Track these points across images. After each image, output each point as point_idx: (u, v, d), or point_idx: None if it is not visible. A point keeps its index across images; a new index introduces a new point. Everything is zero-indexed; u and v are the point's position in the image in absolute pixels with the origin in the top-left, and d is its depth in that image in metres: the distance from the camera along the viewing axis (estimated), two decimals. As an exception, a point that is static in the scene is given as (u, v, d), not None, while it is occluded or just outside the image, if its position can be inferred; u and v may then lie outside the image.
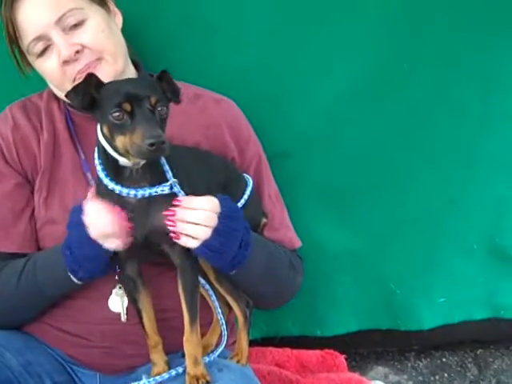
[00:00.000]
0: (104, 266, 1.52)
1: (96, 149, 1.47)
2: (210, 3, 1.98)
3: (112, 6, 1.75)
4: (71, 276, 1.54)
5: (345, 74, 2.05)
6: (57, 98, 1.76)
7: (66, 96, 1.45)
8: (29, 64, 1.72)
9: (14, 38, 1.67)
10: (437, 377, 2.42)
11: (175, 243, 1.45)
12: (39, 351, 1.65)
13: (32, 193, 1.70)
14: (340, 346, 2.12)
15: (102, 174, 1.44)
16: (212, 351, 1.60)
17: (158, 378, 1.50)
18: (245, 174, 1.73)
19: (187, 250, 1.47)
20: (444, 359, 2.46)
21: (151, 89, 1.39)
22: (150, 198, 1.43)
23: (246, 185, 1.68)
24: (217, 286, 1.59)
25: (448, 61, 2.07)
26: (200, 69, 1.98)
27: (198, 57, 2.01)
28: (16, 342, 1.63)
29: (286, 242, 1.80)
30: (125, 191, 1.42)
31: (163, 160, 1.46)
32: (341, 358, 2.06)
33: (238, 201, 1.62)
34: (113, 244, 1.44)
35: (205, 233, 1.44)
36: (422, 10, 2.02)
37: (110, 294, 1.61)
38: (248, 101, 1.88)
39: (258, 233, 1.70)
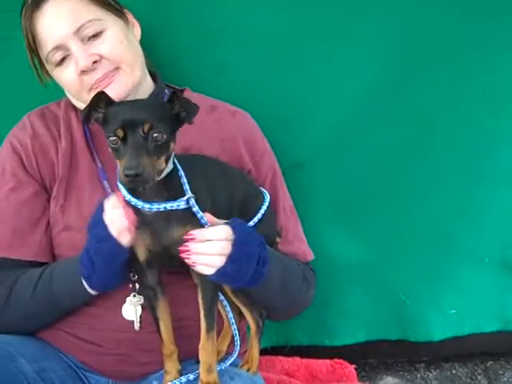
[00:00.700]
0: (118, 271, 1.53)
1: None
2: (225, 17, 2.01)
3: (130, 17, 1.77)
4: (85, 284, 1.56)
5: (356, 86, 2.07)
6: (74, 107, 1.78)
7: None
8: (47, 73, 1.74)
9: (33, 48, 1.70)
10: (446, 388, 2.42)
11: None
12: (53, 357, 1.67)
13: (48, 201, 1.71)
14: (349, 355, 2.13)
15: (120, 185, 1.46)
16: (223, 359, 1.61)
17: (168, 384, 1.52)
18: (262, 189, 1.74)
19: None
20: (454, 371, 2.45)
21: (149, 114, 1.38)
22: (168, 212, 1.44)
23: (263, 199, 1.69)
24: (232, 297, 1.61)
25: (458, 74, 2.08)
26: (214, 81, 2.00)
27: (212, 69, 2.03)
28: (31, 348, 1.64)
29: (300, 255, 1.82)
30: (140, 204, 1.44)
31: (182, 174, 1.47)
32: (350, 368, 2.07)
33: (255, 215, 1.62)
34: (125, 239, 1.46)
35: (219, 261, 1.46)
36: (431, 21, 2.04)
37: (124, 302, 1.63)
38: (260, 112, 1.90)
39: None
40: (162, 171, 1.41)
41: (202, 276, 1.48)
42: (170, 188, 1.45)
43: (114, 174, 1.50)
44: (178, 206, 1.44)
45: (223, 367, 1.56)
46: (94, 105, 1.43)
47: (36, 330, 1.71)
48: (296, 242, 1.82)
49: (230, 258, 1.46)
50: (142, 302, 1.62)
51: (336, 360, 2.09)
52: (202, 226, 1.46)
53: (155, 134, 1.37)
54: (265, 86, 2.05)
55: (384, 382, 2.41)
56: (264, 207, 1.66)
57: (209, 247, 1.45)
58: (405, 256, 2.20)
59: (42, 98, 1.84)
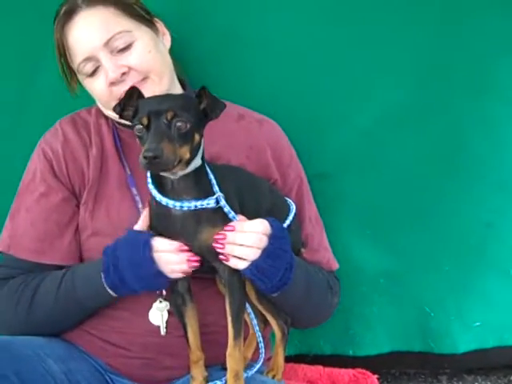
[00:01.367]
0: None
1: None
2: (254, 25, 2.04)
3: (161, 27, 1.80)
4: (110, 291, 1.57)
5: (383, 97, 2.08)
6: (104, 115, 1.81)
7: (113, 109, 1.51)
8: (77, 81, 1.78)
9: (64, 58, 1.74)
10: (469, 401, 2.41)
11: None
12: (80, 359, 1.69)
13: (77, 207, 1.74)
14: (371, 366, 2.11)
15: (151, 186, 1.48)
16: (248, 366, 1.61)
17: (194, 390, 1.53)
18: (287, 199, 1.75)
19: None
20: (476, 383, 2.44)
21: (173, 104, 1.42)
22: (198, 213, 1.46)
23: (288, 210, 1.69)
24: (257, 304, 1.62)
25: (485, 85, 2.08)
26: (240, 89, 2.02)
27: (240, 77, 2.06)
28: (58, 349, 1.66)
29: (324, 264, 1.82)
30: (170, 203, 1.45)
31: (210, 173, 1.48)
32: (373, 378, 2.05)
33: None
34: (179, 275, 1.51)
35: (254, 254, 1.47)
36: (462, 34, 2.05)
37: (151, 306, 1.65)
38: (288, 121, 1.91)
39: None
40: (186, 162, 1.42)
41: (231, 271, 1.48)
42: (198, 186, 1.46)
43: (143, 181, 1.53)
44: (208, 204, 1.45)
45: (249, 374, 1.56)
46: (127, 98, 1.46)
47: (62, 331, 1.73)
48: (321, 250, 1.83)
49: (266, 252, 1.47)
50: (168, 307, 1.64)
51: (359, 370, 2.07)
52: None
53: (178, 123, 1.40)
54: (292, 95, 2.07)
55: (406, 393, 2.40)
56: (290, 218, 1.66)
57: (246, 238, 1.46)
58: (430, 267, 2.20)
59: (73, 105, 1.86)
